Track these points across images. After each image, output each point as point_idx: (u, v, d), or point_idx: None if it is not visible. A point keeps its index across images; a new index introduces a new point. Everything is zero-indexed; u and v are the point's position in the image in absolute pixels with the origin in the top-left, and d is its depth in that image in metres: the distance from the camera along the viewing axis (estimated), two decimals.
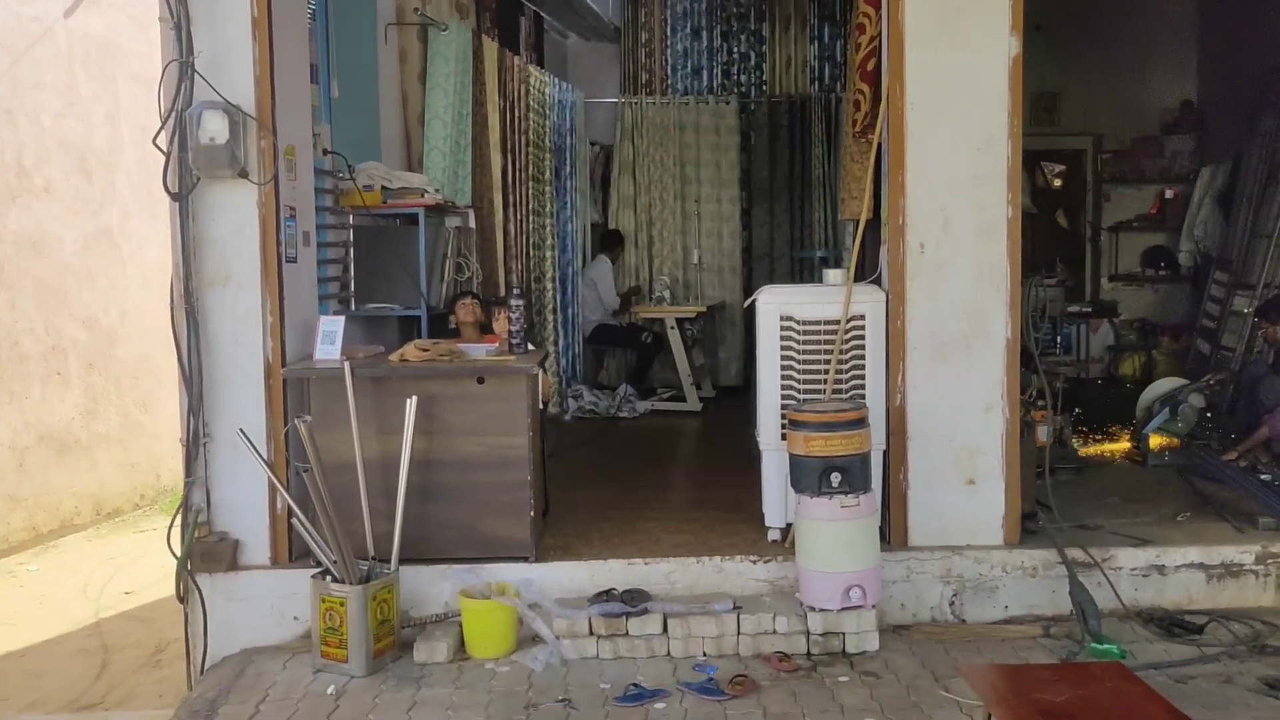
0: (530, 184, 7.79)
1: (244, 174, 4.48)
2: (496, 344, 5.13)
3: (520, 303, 4.87)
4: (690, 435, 7.98)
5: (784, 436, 4.79)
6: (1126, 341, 10.37)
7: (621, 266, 9.81)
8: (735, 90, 10.08)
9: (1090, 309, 9.53)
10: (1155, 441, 6.50)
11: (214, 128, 4.37)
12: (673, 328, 8.77)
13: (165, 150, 4.42)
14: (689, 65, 10.12)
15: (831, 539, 4.38)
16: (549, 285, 8.23)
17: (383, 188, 5.80)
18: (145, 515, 8.33)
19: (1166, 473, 6.23)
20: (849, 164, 5.57)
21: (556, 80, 8.53)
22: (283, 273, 4.64)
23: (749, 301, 5.04)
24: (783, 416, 4.79)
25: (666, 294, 9.04)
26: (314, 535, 4.30)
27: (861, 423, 4.44)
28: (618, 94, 10.03)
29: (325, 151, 5.49)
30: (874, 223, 6.17)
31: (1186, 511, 5.30)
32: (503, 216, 7.29)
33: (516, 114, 7.52)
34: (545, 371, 5.83)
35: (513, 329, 4.89)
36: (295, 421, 4.15)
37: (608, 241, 9.54)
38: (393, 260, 5.68)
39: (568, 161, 8.78)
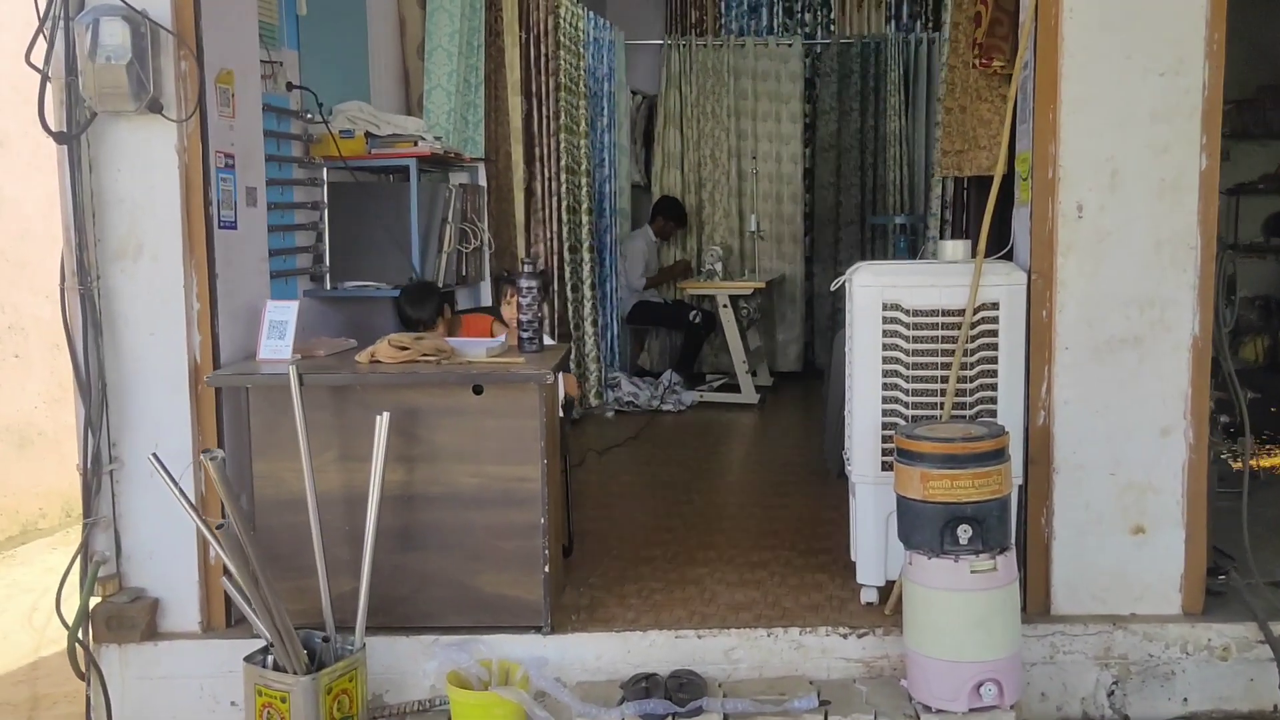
0: (562, 135, 6.56)
1: (156, 107, 3.31)
2: (503, 338, 3.94)
3: (534, 284, 3.65)
4: (747, 435, 6.76)
5: (886, 466, 3.58)
6: (1246, 322, 8.98)
7: (675, 245, 8.55)
8: (799, 30, 8.74)
9: None
10: None
11: (112, 42, 3.19)
12: (725, 306, 7.52)
13: (44, 73, 3.25)
14: (745, 2, 8.79)
15: (957, 615, 3.16)
16: (586, 256, 7.01)
17: (368, 134, 4.61)
18: None
19: None
20: (972, 104, 4.30)
21: (592, 15, 7.27)
22: (214, 242, 3.47)
23: (838, 283, 3.79)
24: (885, 438, 3.57)
25: (718, 267, 7.77)
26: (250, 601, 3.15)
27: (1001, 454, 3.20)
28: (662, 35, 8.72)
29: (290, 86, 4.30)
30: (986, 182, 4.91)
31: None
32: (524, 174, 6.06)
33: (543, 50, 6.28)
34: (570, 369, 4.66)
35: (523, 319, 3.68)
36: (202, 458, 2.98)
37: (659, 210, 8.25)
38: (379, 226, 4.50)
39: (605, 111, 7.54)
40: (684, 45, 8.57)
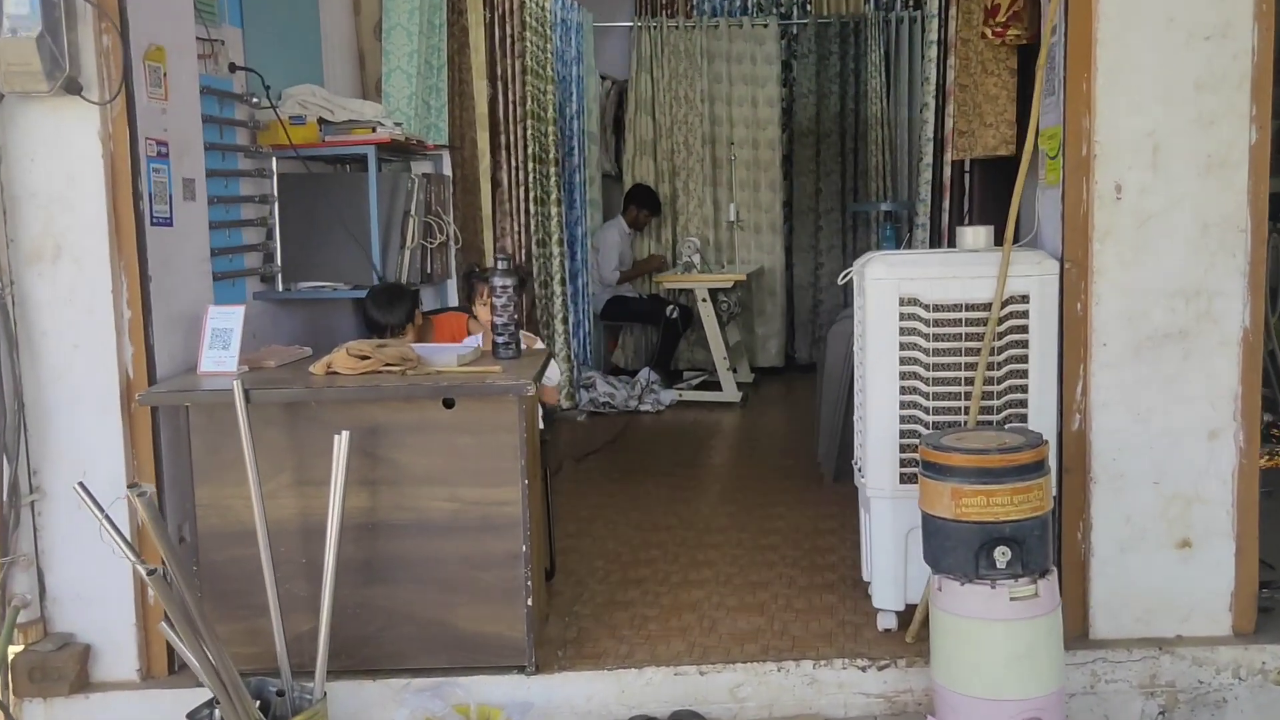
0: (530, 122, 6.15)
1: (74, 87, 2.89)
2: (477, 340, 3.55)
3: (508, 282, 3.27)
4: (732, 437, 6.40)
5: (905, 478, 3.23)
6: None
7: (650, 237, 8.13)
8: (774, 10, 8.36)
9: None
10: None
11: (19, 12, 2.77)
12: (704, 300, 7.16)
13: None
14: None
15: (995, 648, 2.81)
16: (555, 249, 6.61)
17: (321, 120, 4.19)
18: None
19: None
20: (978, 78, 3.95)
21: None
22: (146, 240, 3.06)
23: (845, 275, 3.44)
24: (903, 447, 3.22)
25: (696, 259, 7.40)
26: (193, 651, 2.75)
27: (1041, 467, 2.85)
28: (632, 16, 8.32)
29: (233, 67, 3.88)
30: (992, 163, 4.60)
31: None
32: (489, 162, 5.66)
33: (508, 31, 5.87)
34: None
35: (498, 321, 3.30)
36: (128, 494, 2.57)
37: (632, 199, 7.85)
38: (335, 221, 4.09)
39: (574, 96, 7.14)
40: (655, 27, 8.18)
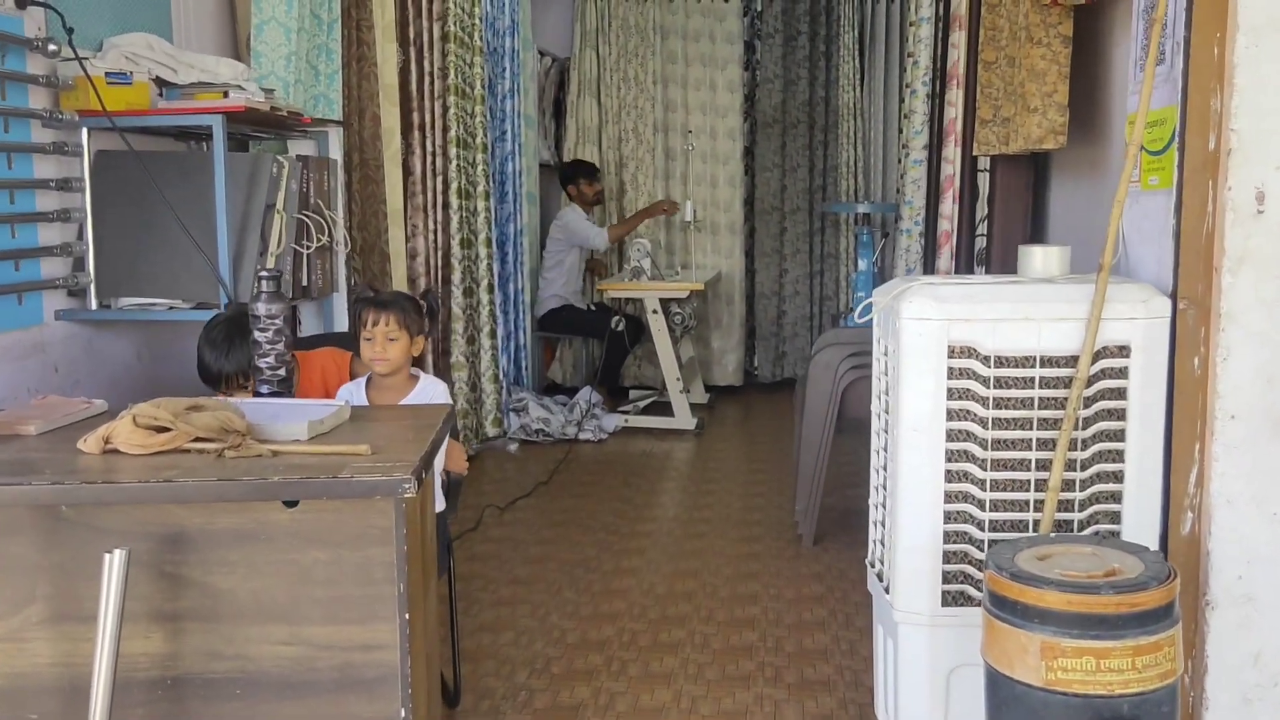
0: (451, 98, 5.15)
1: None
2: (352, 391, 2.55)
3: (274, 309, 2.32)
4: (687, 476, 5.43)
5: (950, 598, 2.30)
6: None
7: (595, 218, 7.07)
8: None
9: None
10: None
11: None
12: (655, 311, 6.20)
13: None
14: None
15: None
16: (482, 251, 5.61)
17: (159, 80, 3.15)
18: None
19: None
20: (1021, 50, 3.03)
21: None
22: None
23: (865, 309, 2.49)
24: (948, 555, 2.29)
25: (646, 264, 6.42)
26: None
27: (1170, 612, 1.93)
28: None
29: (22, 2, 2.82)
30: (1014, 159, 3.74)
31: None
32: (400, 146, 4.63)
33: None
34: (457, 433, 3.37)
35: (262, 363, 2.39)
36: None
37: (569, 179, 6.80)
38: (172, 216, 3.04)
39: (507, 72, 6.13)
40: None
